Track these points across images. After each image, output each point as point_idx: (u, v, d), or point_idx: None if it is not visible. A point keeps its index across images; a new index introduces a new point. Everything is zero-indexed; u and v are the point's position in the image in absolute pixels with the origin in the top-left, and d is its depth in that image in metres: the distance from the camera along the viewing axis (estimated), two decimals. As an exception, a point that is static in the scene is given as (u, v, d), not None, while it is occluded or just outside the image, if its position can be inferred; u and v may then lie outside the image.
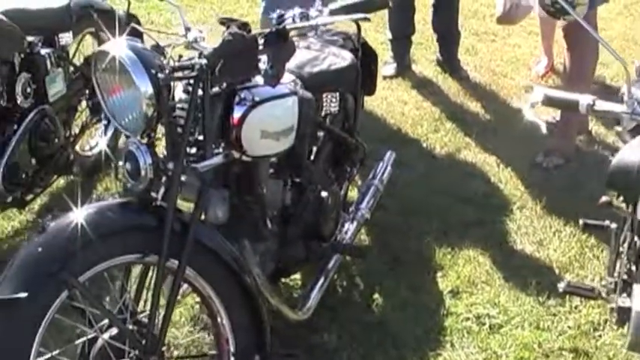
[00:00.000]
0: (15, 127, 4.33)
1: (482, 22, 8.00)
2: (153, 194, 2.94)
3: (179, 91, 3.09)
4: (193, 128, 2.98)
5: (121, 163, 2.98)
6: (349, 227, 4.11)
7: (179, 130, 2.94)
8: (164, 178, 2.93)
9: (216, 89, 3.02)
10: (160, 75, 2.83)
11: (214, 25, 3.32)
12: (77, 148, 5.02)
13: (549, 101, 2.93)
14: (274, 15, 3.29)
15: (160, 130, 2.97)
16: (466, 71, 6.83)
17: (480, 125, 6.03)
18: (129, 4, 4.76)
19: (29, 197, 4.53)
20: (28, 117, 4.37)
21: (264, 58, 3.05)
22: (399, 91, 6.51)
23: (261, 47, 3.01)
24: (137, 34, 3.43)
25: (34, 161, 4.44)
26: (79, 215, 2.82)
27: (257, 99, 3.11)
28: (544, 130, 5.37)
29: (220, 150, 3.09)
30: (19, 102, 4.36)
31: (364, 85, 4.23)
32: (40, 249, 2.77)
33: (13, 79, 4.34)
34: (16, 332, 2.72)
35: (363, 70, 4.13)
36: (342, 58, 3.96)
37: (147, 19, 7.07)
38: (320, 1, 3.30)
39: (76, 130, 4.96)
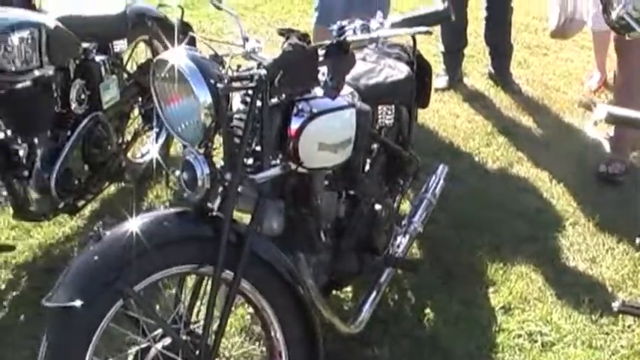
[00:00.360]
0: (69, 133, 4.35)
1: (534, 35, 7.95)
2: (209, 205, 2.92)
3: (237, 102, 3.07)
4: (251, 139, 2.95)
5: (178, 172, 2.97)
6: (402, 240, 4.08)
7: (237, 140, 2.92)
8: (221, 189, 2.91)
9: (274, 100, 3.00)
10: (218, 85, 2.82)
11: (272, 35, 3.30)
12: (129, 155, 5.03)
13: (613, 119, 2.88)
14: (335, 27, 3.26)
15: (218, 140, 2.95)
16: (518, 85, 6.78)
17: (532, 139, 5.99)
18: (182, 12, 4.77)
19: (81, 203, 4.54)
20: (82, 123, 4.39)
21: (323, 69, 3.03)
22: (450, 103, 6.47)
23: (321, 59, 2.99)
24: (193, 43, 3.44)
25: (86, 167, 4.46)
26: (134, 224, 2.81)
27: (315, 110, 3.08)
28: (607, 148, 5.30)
29: (277, 161, 3.07)
30: (73, 108, 4.38)
31: (418, 98, 4.19)
32: (96, 257, 2.76)
33: (68, 85, 4.36)
34: (71, 340, 2.73)
35: (418, 83, 4.10)
36: (398, 71, 3.93)
37: (198, 27, 7.10)
38: (381, 13, 3.27)
39: (128, 137, 4.98)
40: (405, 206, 4.64)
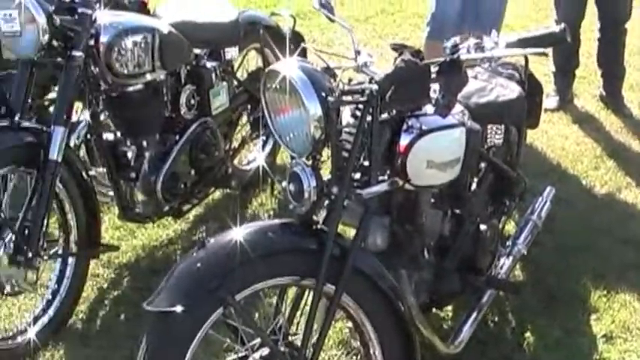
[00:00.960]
0: (177, 137, 4.41)
1: (648, 58, 7.78)
2: (314, 217, 2.92)
3: (347, 115, 3.06)
4: (359, 153, 2.94)
5: (284, 183, 2.97)
6: (505, 262, 4.01)
7: (345, 154, 2.91)
8: (327, 202, 2.90)
9: (384, 115, 2.98)
10: (329, 98, 2.81)
11: (382, 49, 3.28)
12: (235, 162, 5.06)
13: None
14: (448, 44, 3.22)
15: (326, 152, 2.95)
16: (629, 108, 6.64)
17: (642, 165, 5.86)
18: (294, 22, 4.77)
19: (186, 208, 4.59)
20: (191, 128, 4.44)
21: (435, 86, 3.00)
22: (559, 125, 6.37)
23: (433, 76, 2.96)
24: (304, 54, 3.44)
25: (193, 172, 4.50)
26: (239, 233, 2.81)
27: (425, 128, 3.05)
28: None
29: (385, 177, 3.05)
30: (182, 113, 4.43)
31: (528, 118, 4.13)
32: (199, 264, 2.77)
33: (179, 90, 4.42)
34: (170, 344, 2.75)
35: (528, 103, 4.04)
36: (509, 90, 3.88)
37: (309, 37, 7.11)
38: (496, 32, 3.22)
39: (235, 144, 5.00)
40: (510, 227, 4.56)
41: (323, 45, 6.85)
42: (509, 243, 4.14)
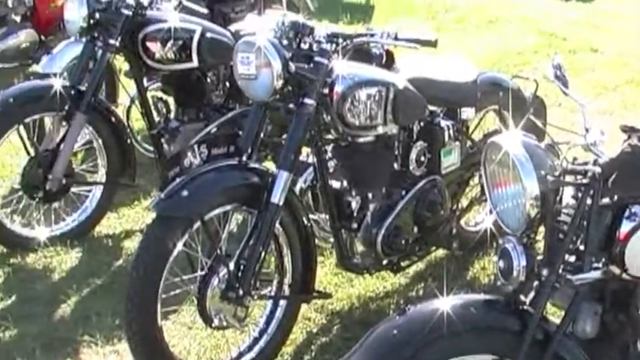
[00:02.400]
0: (403, 192, 4.39)
1: None
2: (521, 297, 2.82)
3: (567, 194, 2.94)
4: (575, 236, 2.82)
5: (495, 258, 2.89)
6: None
7: (560, 236, 2.80)
8: (536, 283, 2.80)
9: (606, 200, 2.85)
10: (549, 177, 2.73)
11: (627, 120, 3.14)
12: (461, 222, 4.98)
13: None
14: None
15: (540, 231, 2.85)
16: None
17: None
18: (537, 86, 4.66)
19: (405, 263, 4.56)
20: (418, 185, 4.41)
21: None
22: None
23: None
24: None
25: (415, 229, 4.45)
26: (443, 304, 2.75)
27: (647, 217, 2.89)
28: None
29: (599, 264, 2.90)
30: (411, 168, 4.43)
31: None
32: (396, 331, 2.73)
33: (410, 145, 4.42)
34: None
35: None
36: None
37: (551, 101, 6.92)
38: None
39: (463, 204, 4.92)
40: None
41: (559, 115, 6.61)
42: None
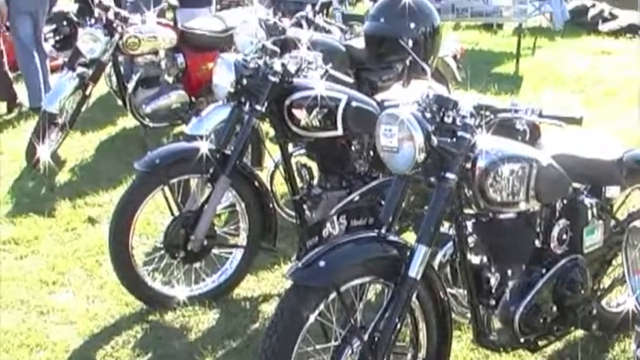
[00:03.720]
0: (543, 270, 4.32)
1: None
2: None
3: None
4: None
5: (633, 346, 2.81)
6: None
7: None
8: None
9: None
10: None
11: None
12: (603, 302, 4.85)
13: None
14: None
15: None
16: None
17: None
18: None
19: (542, 343, 4.47)
20: (559, 263, 4.34)
21: None
22: None
23: None
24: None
25: (555, 309, 4.36)
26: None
27: None
28: None
29: None
30: (552, 246, 4.36)
31: None
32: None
33: (552, 223, 4.35)
34: None
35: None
36: None
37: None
38: None
39: (605, 284, 4.80)
40: None
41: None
42: None
